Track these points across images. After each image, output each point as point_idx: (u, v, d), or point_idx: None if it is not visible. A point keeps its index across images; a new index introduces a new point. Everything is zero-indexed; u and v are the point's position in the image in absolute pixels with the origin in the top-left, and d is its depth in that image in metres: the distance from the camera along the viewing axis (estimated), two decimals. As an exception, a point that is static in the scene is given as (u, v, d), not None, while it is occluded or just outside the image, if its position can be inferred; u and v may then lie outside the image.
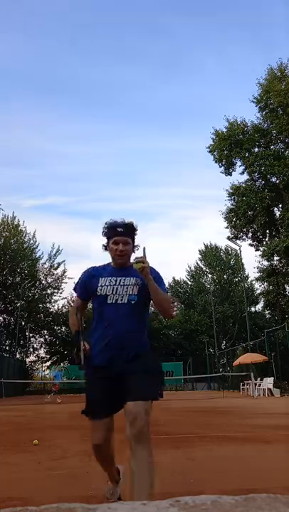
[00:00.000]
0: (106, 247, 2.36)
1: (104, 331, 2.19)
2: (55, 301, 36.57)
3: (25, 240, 35.78)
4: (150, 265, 2.19)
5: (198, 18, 56.77)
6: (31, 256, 35.57)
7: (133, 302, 2.20)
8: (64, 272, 36.56)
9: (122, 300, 2.20)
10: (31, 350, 36.55)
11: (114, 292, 2.21)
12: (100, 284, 2.24)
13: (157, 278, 2.24)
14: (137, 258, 2.22)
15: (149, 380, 2.06)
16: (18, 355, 33.48)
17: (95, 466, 2.47)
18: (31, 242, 36.01)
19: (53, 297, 36.51)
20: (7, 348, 34.65)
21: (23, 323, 34.12)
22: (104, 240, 2.37)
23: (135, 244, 2.35)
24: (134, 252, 2.34)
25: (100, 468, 2.35)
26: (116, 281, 2.24)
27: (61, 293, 36.41)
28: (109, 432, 2.19)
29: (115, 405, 2.12)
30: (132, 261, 2.26)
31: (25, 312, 33.89)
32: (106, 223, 2.35)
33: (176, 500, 0.34)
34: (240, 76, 61.66)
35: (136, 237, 2.36)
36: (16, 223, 35.49)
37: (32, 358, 36.89)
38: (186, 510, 0.32)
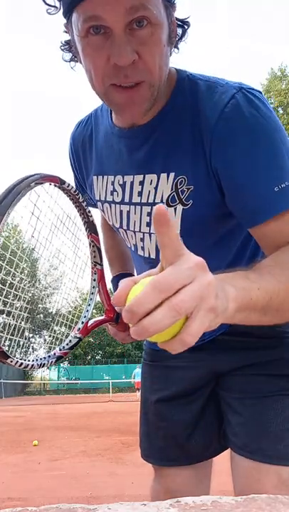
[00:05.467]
0: (71, 55, 0.78)
1: None
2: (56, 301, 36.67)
3: (25, 240, 35.97)
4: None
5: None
6: (31, 255, 35.70)
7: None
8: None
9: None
10: (31, 350, 36.67)
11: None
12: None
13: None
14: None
15: None
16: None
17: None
18: (30, 242, 36.16)
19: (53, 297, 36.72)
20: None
21: (22, 324, 34.18)
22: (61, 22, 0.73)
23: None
24: (173, 45, 0.75)
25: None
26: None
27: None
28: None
29: None
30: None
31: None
32: None
33: (176, 501, 0.34)
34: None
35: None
36: (15, 223, 35.67)
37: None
38: (187, 510, 0.32)
